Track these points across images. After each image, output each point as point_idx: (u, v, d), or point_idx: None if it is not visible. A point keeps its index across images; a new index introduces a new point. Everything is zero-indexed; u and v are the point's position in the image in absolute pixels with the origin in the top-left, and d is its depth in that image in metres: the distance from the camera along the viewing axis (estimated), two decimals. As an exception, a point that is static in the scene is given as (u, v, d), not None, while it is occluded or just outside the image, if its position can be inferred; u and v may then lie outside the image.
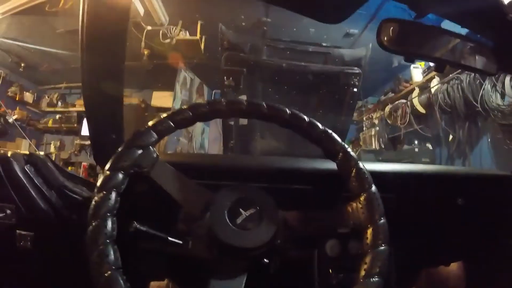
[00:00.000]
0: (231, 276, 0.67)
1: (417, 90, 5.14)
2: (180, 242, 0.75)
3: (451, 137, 4.61)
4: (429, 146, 5.08)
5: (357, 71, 2.82)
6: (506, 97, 3.56)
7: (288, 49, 2.71)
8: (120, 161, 0.70)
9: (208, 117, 0.82)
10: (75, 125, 6.83)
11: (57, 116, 7.22)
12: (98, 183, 0.68)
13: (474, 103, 3.92)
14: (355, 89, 2.83)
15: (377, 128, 6.34)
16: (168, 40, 4.66)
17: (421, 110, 5.00)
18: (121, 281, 0.59)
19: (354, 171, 0.75)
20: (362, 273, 0.64)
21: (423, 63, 5.15)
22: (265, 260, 0.77)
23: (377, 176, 1.18)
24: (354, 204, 0.73)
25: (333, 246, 0.92)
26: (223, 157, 2.15)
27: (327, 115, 2.90)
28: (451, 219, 1.36)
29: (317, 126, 0.81)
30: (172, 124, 0.78)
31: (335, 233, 0.88)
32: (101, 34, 0.94)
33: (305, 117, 0.82)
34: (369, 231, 0.68)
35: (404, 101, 5.45)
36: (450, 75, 4.33)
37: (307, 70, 2.67)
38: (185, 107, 0.80)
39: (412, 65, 5.28)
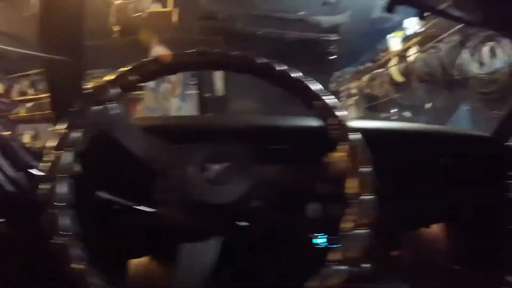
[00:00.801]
0: (205, 239, 0.62)
1: (395, 60, 5.16)
2: (151, 210, 0.71)
3: (429, 105, 4.67)
4: (407, 114, 5.13)
5: (335, 38, 2.81)
6: (484, 66, 3.58)
7: (264, 17, 2.67)
8: (76, 118, 0.64)
9: (176, 70, 0.76)
10: (49, 111, 6.56)
11: (29, 104, 6.90)
12: (53, 144, 0.62)
13: (452, 71, 3.95)
14: (332, 56, 2.82)
15: (355, 97, 6.38)
16: (139, 14, 4.44)
17: (399, 79, 5.03)
18: (77, 250, 0.53)
19: (333, 118, 0.69)
20: (349, 225, 0.59)
21: (401, 32, 5.17)
22: (245, 223, 0.72)
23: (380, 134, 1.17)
24: (336, 154, 0.66)
25: (315, 208, 0.87)
26: (197, 118, 2.07)
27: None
28: (432, 179, 1.37)
29: (291, 74, 0.75)
30: (137, 77, 0.72)
31: (317, 188, 0.81)
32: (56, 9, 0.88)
33: (279, 66, 0.76)
34: (353, 180, 0.63)
35: (382, 70, 5.48)
36: (428, 44, 4.35)
37: (283, 37, 2.65)
38: (152, 58, 0.74)
39: (390, 35, 5.30)
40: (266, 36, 2.62)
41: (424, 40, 4.50)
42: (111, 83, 0.71)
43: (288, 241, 0.90)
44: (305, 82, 0.74)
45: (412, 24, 4.81)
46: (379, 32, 5.53)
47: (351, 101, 6.48)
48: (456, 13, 1.04)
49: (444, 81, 4.23)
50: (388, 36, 5.35)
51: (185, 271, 0.59)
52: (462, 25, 3.77)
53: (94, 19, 4.58)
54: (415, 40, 4.68)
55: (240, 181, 0.63)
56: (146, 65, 0.74)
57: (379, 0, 4.48)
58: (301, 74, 0.76)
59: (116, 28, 4.72)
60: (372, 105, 5.96)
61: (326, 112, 0.71)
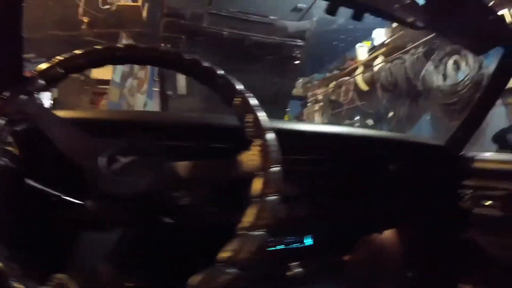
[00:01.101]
0: (107, 228, 0.61)
1: (361, 68, 5.26)
2: (78, 201, 0.69)
3: (391, 113, 4.78)
4: (370, 121, 5.24)
5: (300, 43, 2.81)
6: (448, 79, 3.70)
7: (230, 17, 2.64)
8: (3, 107, 0.64)
9: (101, 63, 0.76)
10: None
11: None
12: None
13: (416, 82, 4.06)
14: (297, 61, 2.83)
15: (321, 103, 6.48)
16: (107, 6, 4.35)
17: (364, 87, 5.15)
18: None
19: (250, 116, 0.68)
20: (244, 224, 0.56)
21: (369, 42, 5.28)
22: (168, 219, 0.73)
23: (306, 136, 1.17)
24: (248, 152, 0.65)
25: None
26: (124, 112, 2.03)
27: (268, 87, 2.90)
28: (382, 185, 1.39)
29: (215, 71, 0.74)
30: (62, 70, 0.72)
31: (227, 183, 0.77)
32: None
33: (204, 63, 0.75)
34: (259, 179, 0.60)
35: (348, 78, 5.58)
36: (394, 55, 4.45)
37: (249, 39, 2.64)
38: (78, 52, 0.74)
39: (358, 44, 5.41)
40: (231, 36, 2.60)
41: (390, 50, 4.61)
42: (40, 74, 0.70)
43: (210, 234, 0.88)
44: (229, 79, 0.73)
45: (380, 35, 4.92)
46: (348, 41, 5.64)
47: (317, 107, 6.57)
48: (401, 15, 1.05)
49: (407, 91, 4.34)
50: (357, 45, 5.45)
51: (83, 259, 0.58)
52: (427, 37, 3.89)
53: (64, 9, 4.50)
54: (381, 50, 4.78)
55: (146, 175, 0.62)
56: (73, 59, 0.74)
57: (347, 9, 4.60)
58: (223, 72, 0.75)
59: (85, 20, 4.64)
60: (337, 112, 6.05)
61: (244, 109, 0.69)
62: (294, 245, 1.14)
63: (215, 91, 0.75)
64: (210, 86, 0.75)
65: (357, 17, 1.03)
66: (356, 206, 1.37)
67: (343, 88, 5.64)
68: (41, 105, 0.68)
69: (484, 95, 1.43)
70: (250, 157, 0.64)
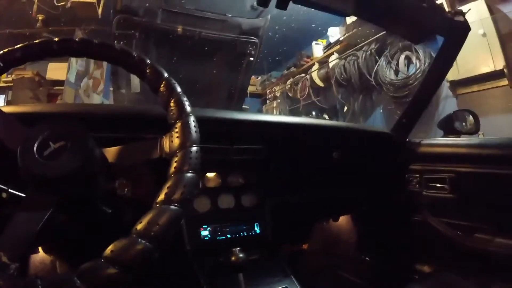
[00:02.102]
0: (34, 210, 0.61)
1: (316, 65, 5.35)
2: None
3: (346, 108, 4.90)
4: (326, 116, 5.35)
5: (254, 40, 2.82)
6: (399, 73, 3.86)
7: (184, 14, 2.61)
8: None
9: (39, 56, 0.77)
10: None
11: None
12: None
13: (369, 77, 4.19)
14: (251, 58, 2.84)
15: (279, 100, 6.56)
16: (63, 3, 4.22)
17: (320, 83, 5.25)
18: None
19: (172, 101, 0.71)
20: (158, 198, 0.57)
21: (324, 40, 5.39)
22: (107, 208, 0.75)
23: (250, 126, 1.19)
24: (168, 135, 0.68)
25: None
26: (71, 105, 2.02)
27: (223, 83, 2.90)
28: (326, 172, 1.42)
29: (144, 61, 0.77)
30: (1, 64, 0.73)
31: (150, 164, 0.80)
32: None
33: (134, 53, 0.78)
34: (177, 157, 0.63)
35: (304, 75, 5.67)
36: (348, 51, 4.57)
37: (202, 36, 2.63)
38: (18, 46, 0.75)
39: (314, 42, 5.51)
40: (184, 34, 2.58)
41: (344, 48, 4.72)
42: None
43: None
44: (157, 67, 0.76)
45: (335, 33, 5.03)
46: (304, 40, 5.73)
47: (275, 103, 6.65)
48: (325, 2, 1.07)
49: (360, 86, 4.47)
50: (313, 43, 5.55)
51: (9, 236, 0.57)
52: (380, 34, 4.02)
53: (19, 7, 4.35)
54: (336, 47, 4.88)
55: (72, 157, 0.63)
56: (12, 52, 0.75)
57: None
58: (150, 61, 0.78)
59: (39, 17, 4.52)
60: (294, 108, 6.15)
61: (169, 95, 0.72)
62: (242, 234, 1.16)
63: (143, 79, 0.77)
64: (139, 75, 0.78)
65: (281, 5, 1.02)
66: (306, 194, 1.40)
67: (300, 85, 5.73)
68: None
69: (425, 82, 1.50)
70: (170, 139, 0.67)
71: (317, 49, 5.49)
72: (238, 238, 1.14)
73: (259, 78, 7.48)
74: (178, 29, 2.55)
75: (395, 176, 1.52)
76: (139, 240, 0.51)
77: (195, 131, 0.67)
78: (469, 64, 3.08)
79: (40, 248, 1.14)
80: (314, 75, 5.29)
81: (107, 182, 0.73)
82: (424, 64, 3.55)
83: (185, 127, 0.67)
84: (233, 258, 0.97)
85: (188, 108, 0.70)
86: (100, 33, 4.91)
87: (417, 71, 3.60)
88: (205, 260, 1.08)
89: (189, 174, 0.61)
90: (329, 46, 5.16)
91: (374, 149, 1.49)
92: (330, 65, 4.91)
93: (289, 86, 6.13)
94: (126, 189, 0.76)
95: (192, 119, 0.68)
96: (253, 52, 2.81)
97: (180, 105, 0.70)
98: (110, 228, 0.78)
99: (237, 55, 2.80)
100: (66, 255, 1.13)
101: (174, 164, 0.62)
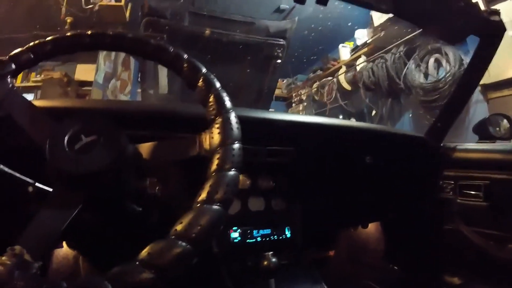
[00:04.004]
0: (61, 206, 0.58)
1: (343, 68, 5.29)
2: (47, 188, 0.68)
3: (374, 112, 4.81)
4: (353, 120, 5.26)
5: (281, 43, 2.81)
6: (429, 76, 3.76)
7: (211, 17, 2.63)
8: None
9: (70, 50, 0.77)
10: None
11: None
12: None
13: (397, 80, 4.11)
14: (278, 61, 2.83)
15: (305, 103, 6.51)
16: (90, 6, 4.31)
17: (347, 87, 5.19)
18: None
19: (212, 97, 0.68)
20: (199, 197, 0.54)
21: (351, 42, 5.33)
22: (136, 207, 0.72)
23: (283, 126, 1.16)
24: (208, 131, 0.64)
25: None
26: (102, 101, 2.02)
27: (250, 86, 2.89)
28: (358, 177, 1.38)
29: (181, 56, 0.75)
30: (31, 56, 0.74)
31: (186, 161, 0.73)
32: None
33: (170, 47, 0.76)
34: (217, 155, 0.59)
35: (331, 78, 5.62)
36: (376, 54, 4.49)
37: (230, 39, 2.63)
38: (49, 39, 0.76)
39: (341, 45, 5.45)
40: (212, 36, 2.59)
41: (372, 50, 4.65)
42: (10, 58, 0.72)
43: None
44: (194, 62, 0.74)
45: (362, 35, 4.96)
46: (330, 42, 5.68)
47: (301, 107, 6.60)
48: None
49: (389, 90, 4.38)
50: (339, 46, 5.49)
51: (33, 233, 0.55)
52: (409, 36, 3.94)
53: (47, 10, 4.45)
54: (363, 50, 4.82)
55: (103, 153, 0.61)
56: (43, 44, 0.75)
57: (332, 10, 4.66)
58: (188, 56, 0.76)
59: (68, 20, 4.56)
60: (320, 111, 6.09)
61: (207, 91, 0.69)
62: (272, 237, 1.13)
63: (180, 75, 0.75)
64: (175, 70, 0.75)
65: (321, 0, 1.01)
66: (336, 199, 1.36)
67: (326, 88, 5.67)
68: (11, 88, 0.69)
69: (461, 84, 1.44)
70: (210, 135, 0.64)
71: (344, 51, 5.43)
72: (268, 242, 1.11)
73: (284, 81, 7.46)
74: (206, 32, 2.56)
75: (428, 182, 1.47)
76: (179, 242, 0.48)
77: (237, 127, 0.64)
78: (500, 67, 2.98)
79: (64, 243, 1.15)
80: (341, 78, 5.23)
81: (138, 180, 0.70)
82: (455, 67, 3.45)
83: (226, 123, 0.64)
84: (265, 263, 0.94)
85: (229, 104, 0.67)
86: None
87: (447, 75, 3.50)
88: (233, 264, 1.05)
89: (231, 172, 0.57)
90: (356, 48, 5.09)
91: (408, 153, 1.44)
92: (358, 68, 4.83)
93: (315, 89, 6.07)
94: (157, 188, 0.72)
95: (233, 115, 0.65)
96: (280, 54, 2.80)
97: (220, 101, 0.67)
98: (138, 228, 0.76)
99: (264, 58, 2.79)
100: (91, 253, 1.11)
101: (216, 162, 0.58)
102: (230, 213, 1.09)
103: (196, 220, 0.50)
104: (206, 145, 0.64)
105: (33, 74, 5.43)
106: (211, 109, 0.67)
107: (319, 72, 6.14)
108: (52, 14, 4.47)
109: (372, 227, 1.85)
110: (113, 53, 5.42)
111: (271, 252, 0.96)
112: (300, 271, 1.12)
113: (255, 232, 1.11)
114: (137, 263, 0.45)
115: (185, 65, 0.74)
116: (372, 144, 1.35)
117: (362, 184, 1.38)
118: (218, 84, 0.70)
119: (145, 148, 0.68)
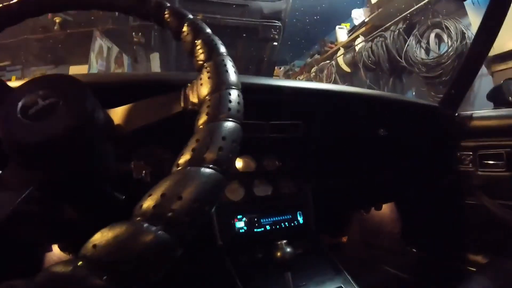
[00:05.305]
0: (11, 188, 0.46)
1: (342, 50, 5.18)
2: None
3: (376, 92, 4.72)
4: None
5: (277, 24, 2.72)
6: (430, 52, 3.64)
7: (203, 1, 2.54)
8: None
9: (37, 11, 0.68)
10: None
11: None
12: None
13: (398, 58, 3.99)
14: (275, 43, 2.74)
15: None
16: (79, 5, 4.22)
17: (346, 69, 5.08)
18: None
19: (200, 41, 0.54)
20: (179, 159, 0.38)
21: (348, 24, 5.22)
22: (119, 195, 0.59)
23: (289, 94, 1.00)
24: (195, 82, 0.50)
25: None
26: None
27: (247, 71, 2.81)
28: (372, 152, 1.28)
29: (162, 4, 0.62)
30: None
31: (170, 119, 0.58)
32: None
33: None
34: (209, 101, 0.45)
35: (329, 61, 5.52)
36: (374, 33, 4.38)
37: (223, 23, 2.53)
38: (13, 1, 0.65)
39: (337, 26, 5.34)
40: (204, 21, 2.49)
41: (370, 29, 4.54)
42: None
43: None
44: (177, 9, 0.62)
45: (359, 15, 4.84)
46: (326, 25, 5.58)
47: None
48: None
49: (390, 68, 4.27)
50: (336, 28, 5.38)
51: None
52: (407, 12, 3.83)
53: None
54: (361, 30, 4.70)
55: (63, 118, 0.48)
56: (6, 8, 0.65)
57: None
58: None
59: (57, 20, 4.50)
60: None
61: (194, 36, 0.56)
62: (283, 225, 1.02)
63: (164, 27, 0.63)
64: (158, 22, 0.63)
65: None
66: (348, 177, 1.27)
67: (325, 72, 5.57)
68: None
69: (474, 47, 1.34)
70: (198, 84, 0.50)
71: (341, 33, 5.31)
72: (278, 230, 1.00)
73: (282, 69, 7.36)
74: (198, 17, 2.46)
75: (445, 155, 1.37)
76: (146, 226, 0.31)
77: (234, 71, 0.49)
78: (504, 38, 2.85)
79: (56, 246, 1.04)
80: (340, 61, 5.13)
81: (119, 163, 0.58)
82: (457, 41, 3.33)
83: (220, 65, 0.49)
84: (278, 254, 0.82)
85: (222, 48, 0.53)
86: (117, 32, 4.89)
87: (450, 49, 3.38)
88: (240, 257, 0.92)
89: (228, 123, 0.42)
90: (353, 29, 4.97)
91: (422, 124, 1.33)
92: (357, 48, 4.72)
93: (314, 74, 5.97)
94: (143, 172, 0.58)
95: (228, 59, 0.51)
96: (276, 37, 2.71)
97: (210, 44, 0.53)
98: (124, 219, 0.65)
99: (261, 41, 2.71)
100: None
101: (206, 111, 0.43)
102: (233, 199, 0.98)
103: (174, 191, 0.34)
104: (193, 97, 0.50)
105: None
106: (199, 53, 0.53)
107: (316, 56, 6.03)
108: (40, 17, 4.40)
109: (386, 208, 1.75)
110: (105, 51, 5.34)
111: (285, 241, 0.84)
112: (317, 260, 1.00)
113: (262, 220, 0.99)
114: (79, 262, 0.29)
115: (167, 12, 0.61)
116: (386, 115, 1.23)
117: (376, 160, 1.28)
118: (208, 30, 0.57)
119: (118, 112, 0.55)
